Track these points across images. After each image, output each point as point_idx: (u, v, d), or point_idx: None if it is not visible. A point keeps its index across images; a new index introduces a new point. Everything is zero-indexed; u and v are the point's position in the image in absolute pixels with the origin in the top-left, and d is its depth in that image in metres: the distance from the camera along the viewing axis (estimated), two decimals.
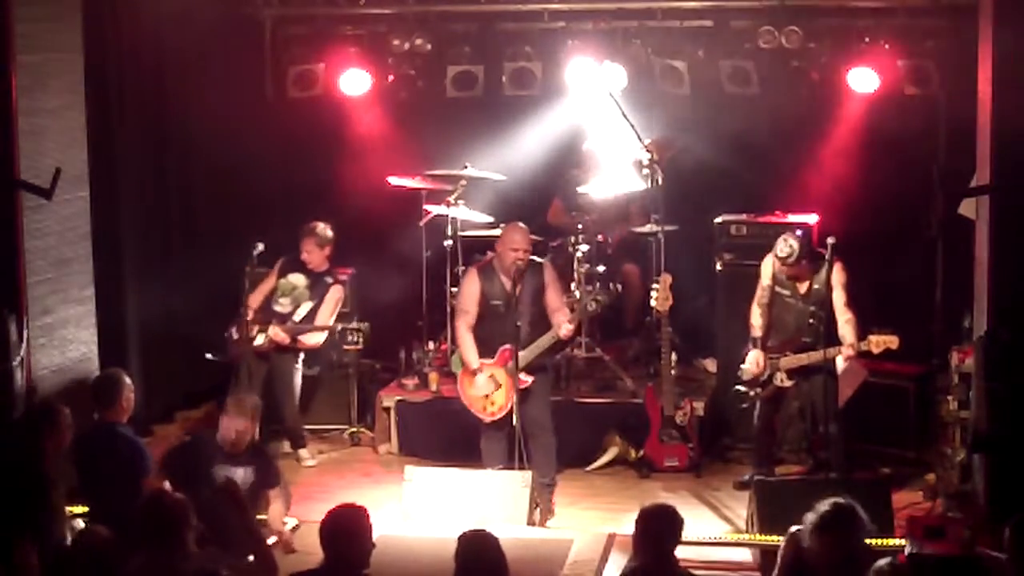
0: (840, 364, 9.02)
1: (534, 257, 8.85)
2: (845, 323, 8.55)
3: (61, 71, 8.53)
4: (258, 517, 7.39)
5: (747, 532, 7.92)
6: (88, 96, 8.79)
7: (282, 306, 9.43)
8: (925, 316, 9.97)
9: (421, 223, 10.22)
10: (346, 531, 5.69)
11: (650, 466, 9.36)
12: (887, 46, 9.92)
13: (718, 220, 9.91)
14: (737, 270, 9.61)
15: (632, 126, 9.54)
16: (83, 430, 7.55)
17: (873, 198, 9.98)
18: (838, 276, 8.59)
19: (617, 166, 10.09)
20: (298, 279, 9.45)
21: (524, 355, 8.46)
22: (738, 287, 9.33)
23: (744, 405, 9.02)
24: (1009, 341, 7.82)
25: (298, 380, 9.59)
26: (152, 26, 9.58)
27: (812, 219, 9.72)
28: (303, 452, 9.68)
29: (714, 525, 8.44)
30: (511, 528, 7.55)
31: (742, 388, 8.90)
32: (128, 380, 7.46)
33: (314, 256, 9.48)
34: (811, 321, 8.58)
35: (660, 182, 9.60)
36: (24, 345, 7.98)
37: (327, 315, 9.45)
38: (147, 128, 9.94)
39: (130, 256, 9.72)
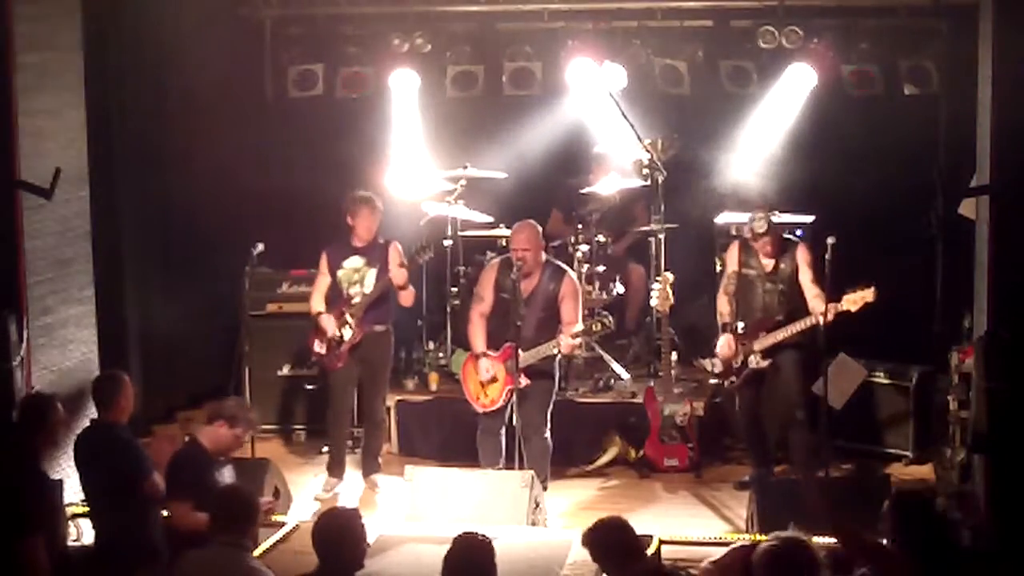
0: (839, 363, 9.04)
1: (560, 264, 8.87)
2: (814, 298, 8.59)
3: (61, 71, 8.53)
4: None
5: (747, 532, 7.92)
6: (88, 96, 8.78)
7: (357, 295, 9.00)
8: (925, 316, 9.97)
9: (421, 223, 10.22)
10: (338, 533, 5.70)
11: (650, 466, 9.37)
12: (887, 46, 9.91)
13: (718, 220, 9.91)
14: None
15: (632, 126, 9.54)
16: (83, 431, 7.56)
17: (873, 198, 9.98)
18: (803, 255, 8.71)
19: (625, 167, 10.11)
20: (354, 262, 9.05)
21: (525, 356, 8.47)
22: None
23: (717, 399, 9.14)
24: (1009, 341, 7.82)
25: (388, 373, 9.24)
26: (152, 26, 9.58)
27: (811, 219, 9.73)
28: (376, 478, 9.25)
29: (714, 525, 8.44)
30: (511, 528, 7.55)
31: (715, 380, 8.96)
32: (128, 380, 7.45)
33: (371, 227, 8.99)
34: (780, 299, 8.68)
35: (660, 182, 9.62)
36: (24, 345, 7.98)
37: (397, 269, 8.95)
38: (147, 128, 9.94)
39: (130, 256, 9.72)
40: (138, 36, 9.64)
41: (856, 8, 10.16)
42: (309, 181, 10.35)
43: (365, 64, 10.71)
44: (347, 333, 8.97)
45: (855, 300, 8.42)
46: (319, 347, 9.05)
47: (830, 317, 8.44)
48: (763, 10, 10.18)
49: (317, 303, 9.08)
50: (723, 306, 8.92)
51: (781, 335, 8.65)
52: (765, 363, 8.75)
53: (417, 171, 10.31)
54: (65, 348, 8.54)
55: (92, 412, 8.23)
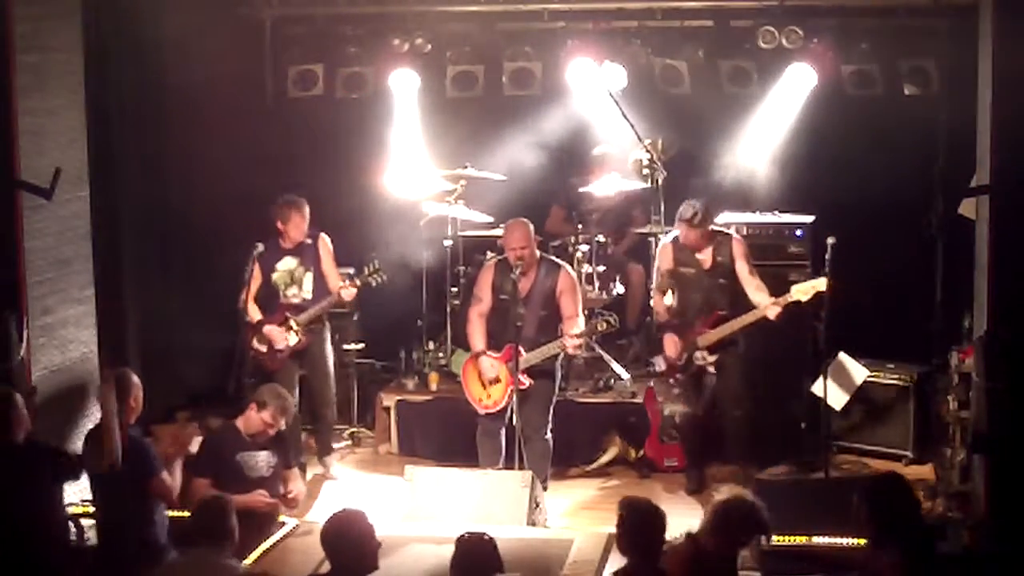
0: (839, 363, 9.04)
1: (555, 259, 8.87)
2: (755, 290, 8.66)
3: (61, 71, 8.52)
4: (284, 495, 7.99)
5: None
6: (88, 96, 8.78)
7: (295, 296, 9.24)
8: (925, 316, 9.97)
9: (421, 223, 10.22)
10: (347, 535, 5.73)
11: (650, 466, 9.37)
12: (887, 46, 9.91)
13: (718, 220, 9.90)
14: None
15: (632, 126, 9.54)
16: (92, 429, 7.58)
17: (873, 198, 9.96)
18: (738, 248, 8.78)
19: (624, 167, 10.11)
20: (288, 263, 9.24)
21: (527, 357, 8.46)
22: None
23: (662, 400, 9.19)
24: (1009, 341, 7.82)
25: (331, 361, 9.43)
26: (152, 26, 9.57)
27: (811, 219, 9.72)
28: (330, 460, 9.54)
29: None
30: (511, 528, 7.56)
31: (658, 379, 9.10)
32: (136, 380, 7.45)
33: (302, 229, 9.22)
34: (721, 294, 8.73)
35: (660, 182, 9.62)
36: (24, 345, 7.98)
37: (331, 266, 9.28)
38: (147, 128, 9.93)
39: (130, 256, 9.72)
40: (138, 36, 9.63)
41: (856, 8, 10.15)
42: (309, 181, 10.34)
43: (365, 64, 10.70)
44: (292, 339, 9.15)
45: (805, 290, 8.48)
46: (258, 345, 9.14)
47: (779, 309, 8.52)
48: (763, 10, 10.17)
49: (252, 308, 9.13)
50: (659, 305, 8.96)
51: (727, 330, 8.68)
52: (712, 359, 8.75)
53: (417, 171, 10.31)
54: (65, 348, 8.54)
55: (93, 412, 8.27)
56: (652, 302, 8.99)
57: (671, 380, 9.00)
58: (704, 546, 5.89)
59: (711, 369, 8.78)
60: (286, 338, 9.13)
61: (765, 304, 8.56)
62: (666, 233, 9.59)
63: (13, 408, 7.09)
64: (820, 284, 8.47)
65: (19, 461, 7.00)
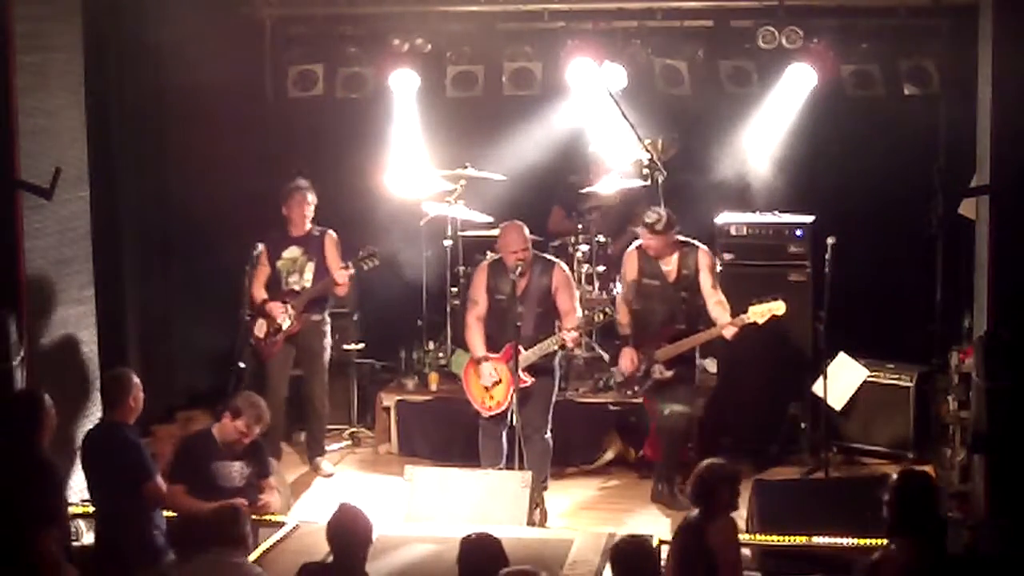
0: (839, 363, 9.04)
1: (548, 257, 8.87)
2: (715, 304, 8.59)
3: (61, 71, 8.52)
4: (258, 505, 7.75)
5: (747, 532, 7.91)
6: (88, 96, 8.78)
7: (295, 283, 9.36)
8: (925, 316, 9.97)
9: (421, 223, 10.22)
10: (352, 529, 5.80)
11: (650, 466, 9.35)
12: (887, 46, 9.92)
13: (718, 220, 9.92)
14: (737, 270, 9.61)
15: (632, 126, 9.54)
16: (90, 429, 7.58)
17: (873, 198, 9.98)
18: (703, 260, 8.68)
19: (622, 167, 10.11)
20: (293, 252, 9.37)
21: (527, 355, 8.47)
22: (738, 287, 9.31)
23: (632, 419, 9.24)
24: (1009, 341, 7.82)
25: (327, 360, 9.56)
26: (152, 26, 9.57)
27: (810, 219, 9.72)
28: (321, 461, 9.62)
29: None
30: (511, 528, 7.56)
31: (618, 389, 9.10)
32: (136, 380, 7.44)
33: (304, 213, 9.37)
34: (683, 307, 8.65)
35: (660, 182, 9.62)
36: (24, 345, 7.98)
37: (336, 261, 9.37)
38: (147, 128, 9.94)
39: (130, 256, 9.72)
40: (138, 36, 9.64)
41: (856, 8, 10.14)
42: (309, 181, 10.34)
43: (365, 64, 10.69)
44: (285, 323, 9.29)
45: (763, 313, 8.42)
46: (258, 331, 9.28)
47: (735, 330, 8.47)
48: (763, 10, 10.16)
49: (259, 292, 9.30)
50: (623, 316, 8.83)
51: (684, 346, 8.62)
52: (669, 373, 8.68)
53: (417, 171, 10.31)
54: (65, 348, 8.54)
55: (93, 412, 8.30)
56: (617, 312, 8.81)
57: (629, 393, 9.00)
58: (697, 523, 6.21)
59: (668, 374, 8.70)
60: (285, 316, 9.25)
61: (722, 323, 8.50)
62: None
63: (43, 411, 7.00)
64: (778, 308, 8.42)
65: (37, 467, 6.95)
